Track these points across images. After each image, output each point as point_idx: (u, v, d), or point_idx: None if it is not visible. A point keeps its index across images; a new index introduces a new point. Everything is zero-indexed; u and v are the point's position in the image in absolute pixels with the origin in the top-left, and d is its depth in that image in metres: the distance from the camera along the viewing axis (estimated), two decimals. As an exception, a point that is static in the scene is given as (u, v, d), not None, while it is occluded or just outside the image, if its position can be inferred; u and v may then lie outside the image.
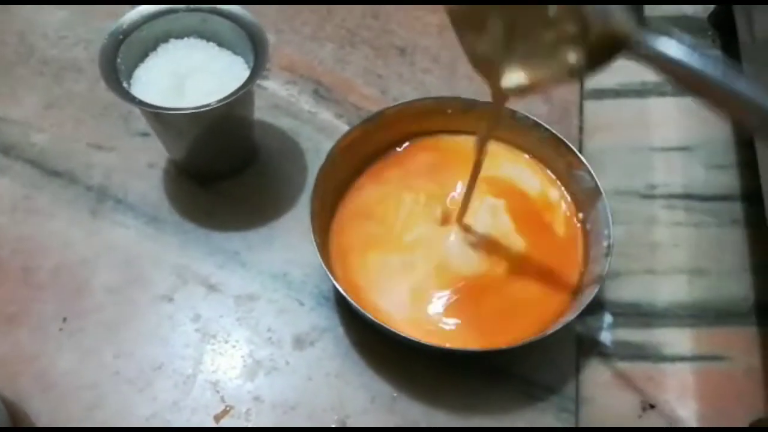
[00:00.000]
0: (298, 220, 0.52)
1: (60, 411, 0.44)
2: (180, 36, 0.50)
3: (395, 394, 0.45)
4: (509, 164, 0.51)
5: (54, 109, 0.58)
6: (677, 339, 0.49)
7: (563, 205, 0.49)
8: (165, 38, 0.50)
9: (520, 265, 0.47)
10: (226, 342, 0.47)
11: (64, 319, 0.47)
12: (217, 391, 0.45)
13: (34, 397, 0.44)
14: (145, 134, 0.56)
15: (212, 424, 0.44)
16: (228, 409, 0.44)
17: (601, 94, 0.61)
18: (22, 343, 0.46)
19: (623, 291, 0.50)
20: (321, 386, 0.45)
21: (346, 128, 0.57)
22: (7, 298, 0.48)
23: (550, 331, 0.41)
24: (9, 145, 0.55)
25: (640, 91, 0.62)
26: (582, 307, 0.41)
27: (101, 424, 0.44)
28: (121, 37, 0.47)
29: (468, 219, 0.48)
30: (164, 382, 0.45)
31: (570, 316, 0.42)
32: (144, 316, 0.48)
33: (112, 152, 0.55)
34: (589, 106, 0.61)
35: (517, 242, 0.48)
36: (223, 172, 0.54)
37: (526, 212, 0.49)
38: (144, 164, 0.55)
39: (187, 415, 0.44)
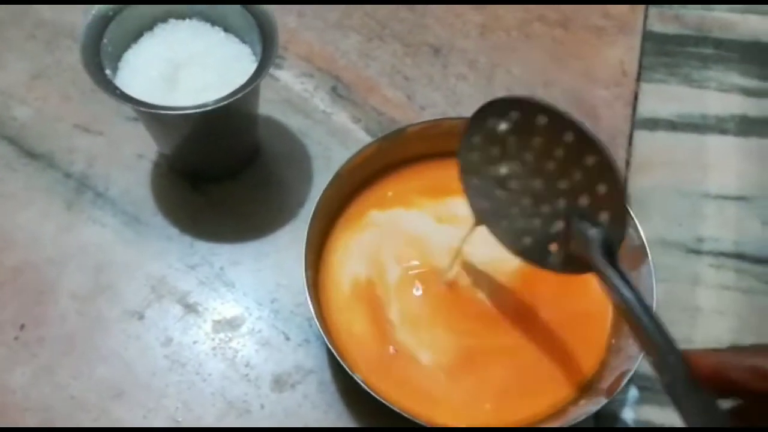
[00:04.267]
0: (295, 236, 0.46)
1: (2, 434, 0.39)
2: (182, 16, 0.44)
3: (381, 459, 0.40)
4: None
5: (41, 79, 0.52)
6: (710, 424, 0.43)
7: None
8: (164, 17, 0.44)
9: (537, 329, 0.41)
10: (197, 374, 0.42)
11: (22, 326, 0.42)
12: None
13: (-25, 414, 0.39)
14: (137, 119, 0.50)
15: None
16: (188, 455, 0.39)
17: (654, 124, 0.54)
18: (-29, 349, 0.41)
19: (655, 361, 0.44)
20: (297, 437, 0.40)
21: (362, 134, 0.51)
22: (-39, 295, 0.43)
23: (566, 423, 0.35)
24: (-14, 116, 0.50)
25: (699, 126, 0.54)
26: (609, 398, 0.35)
27: (46, 454, 0.39)
28: (111, 13, 0.41)
29: (475, 277, 0.42)
30: (122, 413, 0.40)
31: (592, 407, 0.35)
32: (110, 333, 0.42)
33: (99, 137, 0.50)
34: (640, 136, 0.53)
35: (533, 302, 0.42)
36: (218, 173, 0.48)
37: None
38: (132, 154, 0.49)
39: (142, 455, 0.39)
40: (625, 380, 0.36)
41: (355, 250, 0.43)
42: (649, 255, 0.39)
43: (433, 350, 0.40)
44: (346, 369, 0.36)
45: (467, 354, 0.40)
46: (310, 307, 0.37)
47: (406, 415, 0.35)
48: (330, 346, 0.36)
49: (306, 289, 0.37)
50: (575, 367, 0.39)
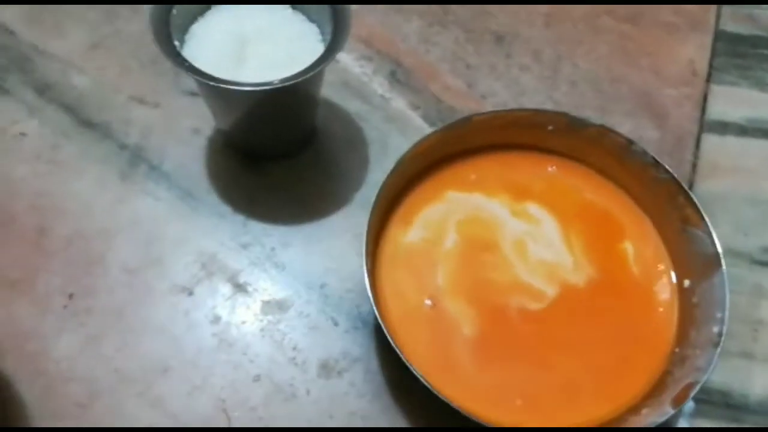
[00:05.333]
0: (348, 221, 0.45)
1: (47, 402, 0.39)
2: (250, -11, 0.43)
3: (426, 454, 0.39)
4: (602, 201, 0.43)
5: (100, 49, 0.51)
6: (768, 442, 0.41)
7: (663, 267, 0.41)
8: (232, -11, 0.43)
9: (596, 331, 0.39)
10: (245, 354, 0.41)
11: (71, 296, 0.42)
12: (224, 411, 0.39)
13: (22, 381, 0.39)
14: (195, 94, 0.49)
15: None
16: (233, 436, 0.39)
17: (724, 127, 0.52)
18: (21, 315, 0.41)
19: (713, 374, 0.42)
20: (342, 426, 0.39)
21: (419, 122, 0.50)
22: (14, 261, 0.43)
23: None
24: (46, 83, 0.49)
25: (771, 132, 0.52)
26: (675, 409, 0.34)
27: (90, 424, 0.38)
28: (180, -17, 0.40)
29: (532, 263, 0.41)
30: (167, 388, 0.40)
31: (657, 418, 0.34)
32: (158, 307, 0.42)
33: (156, 109, 0.49)
34: (709, 139, 0.51)
35: (592, 301, 0.40)
36: (274, 153, 0.47)
37: (610, 265, 0.41)
38: (188, 128, 0.48)
39: (185, 433, 0.38)
40: (694, 392, 0.34)
41: (418, 224, 0.42)
42: (723, 264, 0.37)
43: (472, 326, 0.39)
44: (407, 364, 0.35)
45: (506, 344, 0.39)
46: (372, 303, 0.36)
47: (463, 413, 0.34)
48: (391, 341, 0.35)
49: (366, 278, 0.36)
50: (635, 376, 0.38)
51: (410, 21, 0.55)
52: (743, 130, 0.52)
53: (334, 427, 0.39)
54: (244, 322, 0.42)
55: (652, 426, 0.34)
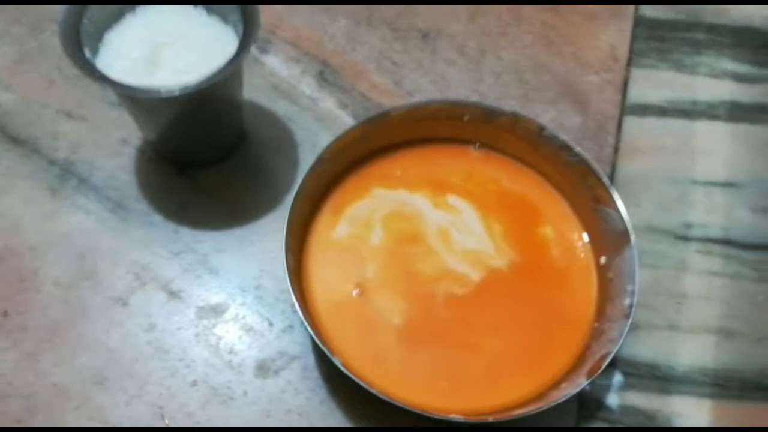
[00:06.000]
0: (280, 222, 0.45)
1: (-16, 421, 0.39)
2: (165, -4, 0.43)
3: (363, 445, 0.40)
4: (520, 187, 0.44)
5: (26, 64, 0.51)
6: (695, 410, 0.42)
7: (580, 247, 0.43)
8: (146, -4, 0.43)
9: (519, 313, 0.41)
10: (181, 360, 0.41)
11: (5, 313, 0.42)
12: (162, 417, 0.40)
13: (-44, 401, 0.39)
14: (122, 104, 0.49)
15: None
16: (171, 441, 0.39)
17: (644, 109, 0.54)
18: (-47, 336, 0.41)
19: (639, 347, 0.44)
20: (280, 424, 0.40)
21: (348, 120, 0.51)
22: (-57, 282, 0.43)
23: (545, 406, 0.35)
24: (-30, 102, 0.49)
25: (689, 112, 0.54)
26: (587, 382, 0.35)
27: (28, 440, 0.39)
28: (90, -8, 0.41)
29: (457, 252, 0.42)
30: (105, 399, 0.40)
31: (572, 390, 0.35)
32: (93, 319, 0.42)
33: (83, 122, 0.49)
34: (630, 122, 0.53)
35: (515, 284, 0.41)
36: (203, 159, 0.48)
37: (531, 249, 0.43)
38: (117, 140, 0.49)
39: (124, 442, 0.39)
40: (606, 363, 0.36)
41: (344, 220, 0.43)
42: (632, 238, 0.39)
43: (400, 315, 0.40)
44: (328, 354, 0.36)
45: (432, 330, 0.40)
46: (292, 295, 0.37)
47: (388, 400, 0.35)
48: (312, 334, 0.36)
49: (287, 276, 0.37)
50: (558, 353, 0.39)
51: (337, 21, 0.56)
52: (663, 111, 0.54)
53: (269, 427, 0.40)
54: (179, 329, 0.42)
55: (567, 397, 0.35)
